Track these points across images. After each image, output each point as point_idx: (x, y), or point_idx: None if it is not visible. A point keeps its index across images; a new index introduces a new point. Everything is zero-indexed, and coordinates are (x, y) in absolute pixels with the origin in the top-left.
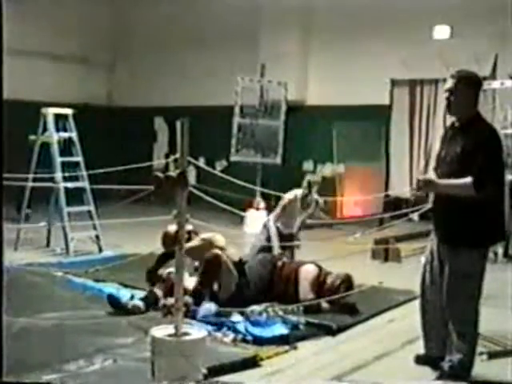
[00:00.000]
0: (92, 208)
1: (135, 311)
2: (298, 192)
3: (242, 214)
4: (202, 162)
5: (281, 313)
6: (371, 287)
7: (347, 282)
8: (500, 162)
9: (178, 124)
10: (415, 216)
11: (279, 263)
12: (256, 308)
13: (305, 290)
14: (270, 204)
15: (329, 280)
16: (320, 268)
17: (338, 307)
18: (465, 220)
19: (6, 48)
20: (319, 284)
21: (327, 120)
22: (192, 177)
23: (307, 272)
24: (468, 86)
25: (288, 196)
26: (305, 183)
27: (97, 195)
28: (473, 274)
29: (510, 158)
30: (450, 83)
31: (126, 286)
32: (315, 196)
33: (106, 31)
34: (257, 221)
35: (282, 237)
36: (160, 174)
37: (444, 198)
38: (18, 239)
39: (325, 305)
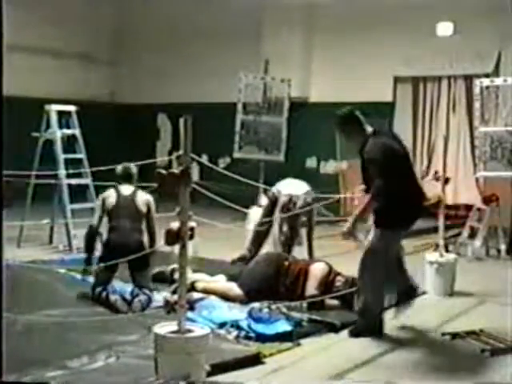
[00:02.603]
0: (95, 205)
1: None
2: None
3: (245, 210)
4: (205, 159)
5: (284, 310)
6: None
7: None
8: (381, 171)
9: (181, 121)
10: None
11: (286, 262)
12: (257, 305)
13: (311, 287)
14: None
15: (337, 283)
16: (330, 267)
17: (342, 304)
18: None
19: (9, 45)
20: (327, 283)
21: (330, 117)
22: (195, 174)
23: (317, 270)
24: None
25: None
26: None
27: (100, 192)
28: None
29: None
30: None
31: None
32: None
33: (109, 28)
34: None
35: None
36: (163, 171)
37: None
38: (21, 236)
39: (330, 302)
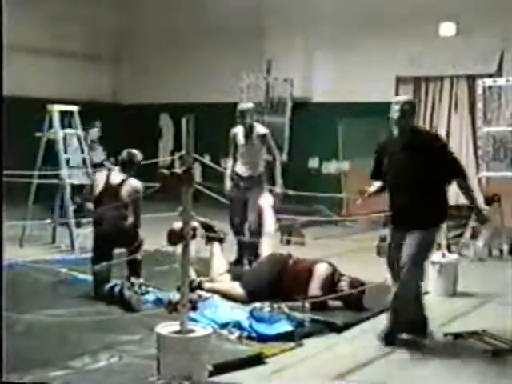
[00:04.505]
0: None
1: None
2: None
3: None
4: (207, 159)
5: (286, 310)
6: (377, 284)
7: (358, 287)
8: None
9: (184, 121)
10: None
11: (290, 262)
12: (259, 305)
13: (314, 287)
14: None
15: (341, 284)
16: (335, 268)
17: (345, 304)
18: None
19: (12, 45)
20: (330, 284)
21: (333, 117)
22: (197, 174)
23: (321, 270)
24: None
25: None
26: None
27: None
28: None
29: None
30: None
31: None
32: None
33: (111, 28)
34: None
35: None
36: (165, 171)
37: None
38: (24, 236)
39: (333, 302)
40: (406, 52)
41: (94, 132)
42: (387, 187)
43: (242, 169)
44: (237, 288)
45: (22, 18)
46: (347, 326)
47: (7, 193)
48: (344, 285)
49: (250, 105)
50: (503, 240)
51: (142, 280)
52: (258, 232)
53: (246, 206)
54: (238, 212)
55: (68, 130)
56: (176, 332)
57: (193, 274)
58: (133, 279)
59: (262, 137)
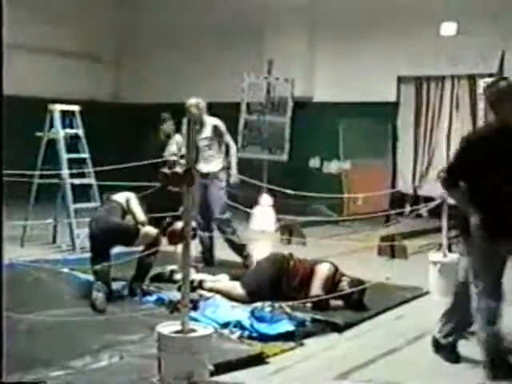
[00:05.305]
0: (98, 205)
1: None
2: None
3: (249, 210)
4: None
5: (287, 309)
6: (378, 284)
7: (359, 287)
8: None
9: (185, 121)
10: (424, 212)
11: (291, 262)
12: (259, 304)
13: (316, 288)
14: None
15: (343, 284)
16: (336, 268)
17: (346, 304)
18: None
19: (12, 44)
20: (332, 284)
21: (334, 117)
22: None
23: (322, 270)
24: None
25: None
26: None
27: (103, 192)
28: None
29: None
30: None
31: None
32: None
33: (112, 28)
34: (264, 218)
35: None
36: (167, 171)
37: None
38: (25, 235)
39: (335, 302)
40: (407, 52)
41: (169, 125)
42: (483, 188)
43: (200, 166)
44: (237, 288)
45: (23, 17)
46: (348, 326)
47: (8, 193)
48: (345, 285)
49: (194, 100)
50: None
51: (143, 284)
52: (230, 227)
53: (207, 205)
54: (200, 213)
55: (69, 130)
56: (177, 332)
57: (194, 274)
58: (134, 284)
59: (214, 128)
